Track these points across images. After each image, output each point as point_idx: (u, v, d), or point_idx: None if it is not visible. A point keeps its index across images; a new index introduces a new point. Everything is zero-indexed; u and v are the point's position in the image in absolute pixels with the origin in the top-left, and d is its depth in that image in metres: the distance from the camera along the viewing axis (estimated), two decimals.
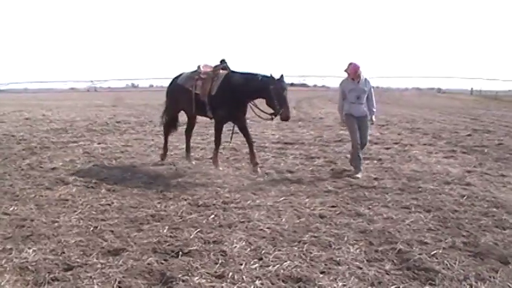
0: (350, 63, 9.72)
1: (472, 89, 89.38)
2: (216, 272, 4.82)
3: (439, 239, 5.90)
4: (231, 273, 4.75)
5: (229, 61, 10.28)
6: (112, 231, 6.07)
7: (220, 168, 9.97)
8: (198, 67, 10.38)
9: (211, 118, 10.29)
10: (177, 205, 7.28)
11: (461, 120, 23.52)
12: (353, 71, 9.65)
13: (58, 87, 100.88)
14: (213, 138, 10.53)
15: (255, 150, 10.21)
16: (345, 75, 9.88)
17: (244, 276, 4.70)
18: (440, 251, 5.46)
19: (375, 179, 9.20)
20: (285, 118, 9.36)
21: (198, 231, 6.02)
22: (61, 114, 25.26)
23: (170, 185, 8.59)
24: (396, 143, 14.14)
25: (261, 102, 9.64)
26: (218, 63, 10.25)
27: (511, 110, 36.10)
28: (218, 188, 8.38)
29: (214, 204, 7.33)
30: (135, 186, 8.49)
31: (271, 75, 9.29)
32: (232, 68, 10.20)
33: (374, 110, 9.98)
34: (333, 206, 7.31)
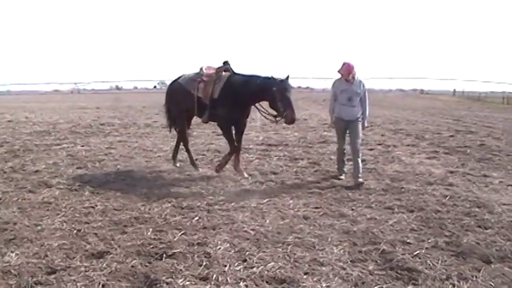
0: (344, 63, 9.19)
1: (454, 90, 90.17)
2: (200, 274, 4.83)
3: (422, 239, 5.96)
4: (215, 275, 4.76)
5: (232, 63, 9.84)
6: (96, 234, 6.05)
7: (245, 175, 9.55)
8: (201, 69, 9.98)
9: (205, 122, 10.11)
10: (161, 207, 7.27)
11: (444, 121, 23.72)
12: (347, 72, 9.14)
13: (41, 89, 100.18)
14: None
15: (240, 157, 9.98)
16: (338, 75, 9.39)
17: (228, 278, 4.71)
18: (423, 251, 5.52)
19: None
20: (290, 121, 8.81)
21: (182, 234, 6.03)
22: (44, 116, 25.08)
23: (154, 188, 8.56)
24: (379, 144, 14.23)
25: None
26: (221, 64, 9.82)
27: (494, 111, 36.49)
28: (202, 190, 8.39)
29: (198, 206, 7.33)
30: (119, 188, 8.45)
31: (272, 76, 8.87)
32: (236, 70, 9.79)
33: (366, 114, 9.47)
34: (316, 207, 7.35)
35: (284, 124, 9.35)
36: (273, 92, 8.69)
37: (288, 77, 8.84)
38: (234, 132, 9.77)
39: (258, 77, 9.19)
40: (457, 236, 6.08)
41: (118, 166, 10.62)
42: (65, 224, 6.44)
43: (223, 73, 9.68)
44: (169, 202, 7.58)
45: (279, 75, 8.90)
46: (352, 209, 7.29)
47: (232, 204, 7.50)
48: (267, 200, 7.76)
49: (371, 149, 13.15)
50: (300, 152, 12.81)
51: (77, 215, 6.88)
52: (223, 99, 9.32)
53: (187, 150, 10.65)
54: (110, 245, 5.65)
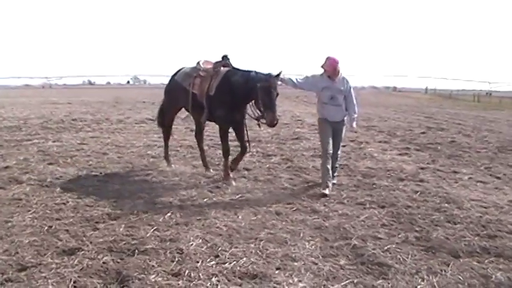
0: (328, 58, 8.27)
1: (426, 87, 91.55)
2: (172, 270, 4.84)
3: (393, 234, 6.06)
4: (187, 271, 4.77)
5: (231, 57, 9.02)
6: (67, 230, 5.99)
7: (234, 184, 8.56)
8: (198, 63, 9.24)
9: (203, 121, 9.27)
10: (133, 203, 7.23)
11: (416, 118, 24.04)
12: (331, 68, 8.25)
13: (12, 83, 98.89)
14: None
15: (242, 158, 9.26)
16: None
17: (200, 274, 4.72)
18: (393, 246, 5.61)
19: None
20: (270, 124, 7.92)
21: (155, 230, 6.02)
22: (15, 111, 24.69)
23: (126, 184, 8.52)
24: (352, 141, 14.32)
25: None
26: (219, 59, 9.00)
27: (464, 109, 37.10)
28: (175, 186, 8.38)
29: (170, 202, 7.33)
30: (91, 185, 8.38)
31: (255, 71, 8.23)
32: (236, 65, 8.94)
33: (355, 115, 8.54)
34: (288, 203, 7.38)
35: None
36: (256, 90, 7.92)
37: (279, 74, 8.03)
38: (235, 133, 9.12)
39: (256, 73, 8.25)
40: (427, 231, 6.19)
41: (90, 162, 10.50)
42: (35, 220, 6.36)
43: (222, 69, 8.87)
44: (142, 198, 7.54)
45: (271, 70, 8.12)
46: (324, 205, 7.36)
47: (205, 200, 7.52)
48: (239, 195, 7.80)
49: (343, 146, 13.13)
50: (273, 148, 12.84)
51: (48, 211, 6.80)
52: (220, 97, 8.55)
53: (166, 145, 10.35)
54: (81, 241, 5.60)
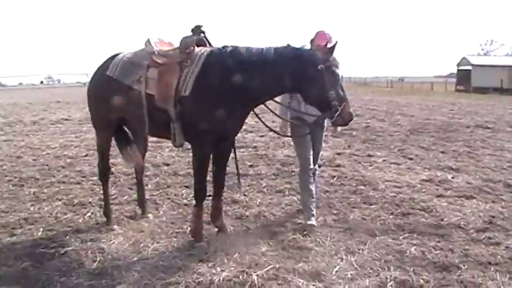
0: (318, 32, 5.84)
1: (342, 75, 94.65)
2: (94, 270, 4.80)
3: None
4: (109, 270, 4.75)
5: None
6: None
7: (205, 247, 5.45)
8: (148, 42, 5.51)
9: (177, 146, 5.66)
10: (51, 206, 7.06)
11: None
12: (320, 45, 5.20)
13: None
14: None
15: (222, 204, 6.13)
16: None
17: (123, 271, 4.71)
18: (313, 230, 5.78)
19: (250, 166, 9.46)
20: (347, 121, 5.04)
21: (75, 231, 5.93)
22: None
23: (43, 186, 8.28)
24: (270, 131, 14.45)
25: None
26: (189, 34, 5.47)
27: (378, 94, 38.39)
28: (94, 186, 8.19)
29: (90, 202, 7.22)
30: (6, 189, 8.11)
31: (290, 47, 5.17)
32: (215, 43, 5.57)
33: None
34: (209, 195, 7.39)
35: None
36: (318, 74, 4.91)
37: (334, 45, 5.04)
38: (214, 160, 5.95)
39: (271, 49, 5.13)
40: (345, 213, 6.48)
41: (4, 166, 10.10)
42: None
43: (197, 49, 5.38)
44: (60, 200, 7.39)
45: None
46: (245, 195, 7.47)
47: (125, 197, 7.51)
48: (160, 191, 7.82)
49: (262, 136, 13.38)
50: None
51: None
52: (203, 99, 5.16)
53: (104, 194, 6.49)
54: None
